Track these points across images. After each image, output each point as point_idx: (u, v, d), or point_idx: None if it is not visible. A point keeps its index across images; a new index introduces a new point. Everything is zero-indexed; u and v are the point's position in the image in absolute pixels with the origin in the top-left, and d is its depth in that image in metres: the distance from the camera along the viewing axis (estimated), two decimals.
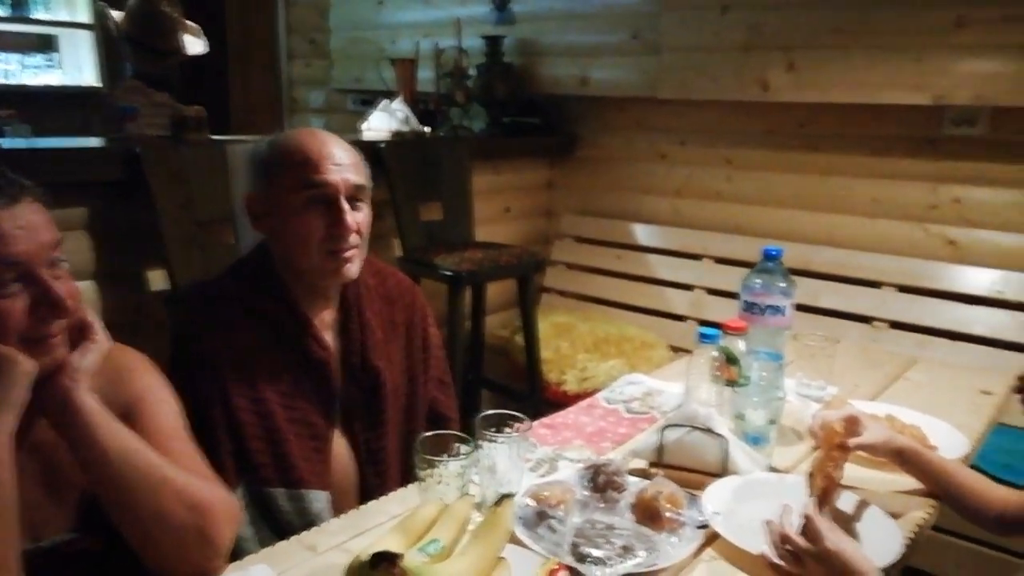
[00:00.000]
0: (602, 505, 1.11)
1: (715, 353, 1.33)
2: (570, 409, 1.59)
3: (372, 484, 1.37)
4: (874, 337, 2.72)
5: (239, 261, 1.43)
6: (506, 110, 3.39)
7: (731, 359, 1.34)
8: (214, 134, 2.34)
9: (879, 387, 1.77)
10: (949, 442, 1.41)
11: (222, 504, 1.01)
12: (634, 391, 1.67)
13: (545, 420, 1.52)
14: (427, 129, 3.10)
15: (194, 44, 2.43)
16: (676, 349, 3.04)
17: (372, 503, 1.23)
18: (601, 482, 1.13)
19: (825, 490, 1.07)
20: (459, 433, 1.16)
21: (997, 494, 1.20)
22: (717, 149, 3.17)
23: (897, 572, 1.09)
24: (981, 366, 2.44)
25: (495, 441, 1.13)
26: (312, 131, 1.36)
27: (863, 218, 2.85)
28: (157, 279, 2.09)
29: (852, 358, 1.93)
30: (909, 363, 1.94)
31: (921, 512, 1.22)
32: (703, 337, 1.31)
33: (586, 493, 1.13)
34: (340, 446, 1.38)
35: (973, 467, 1.38)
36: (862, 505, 1.17)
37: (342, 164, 1.32)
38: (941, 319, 2.64)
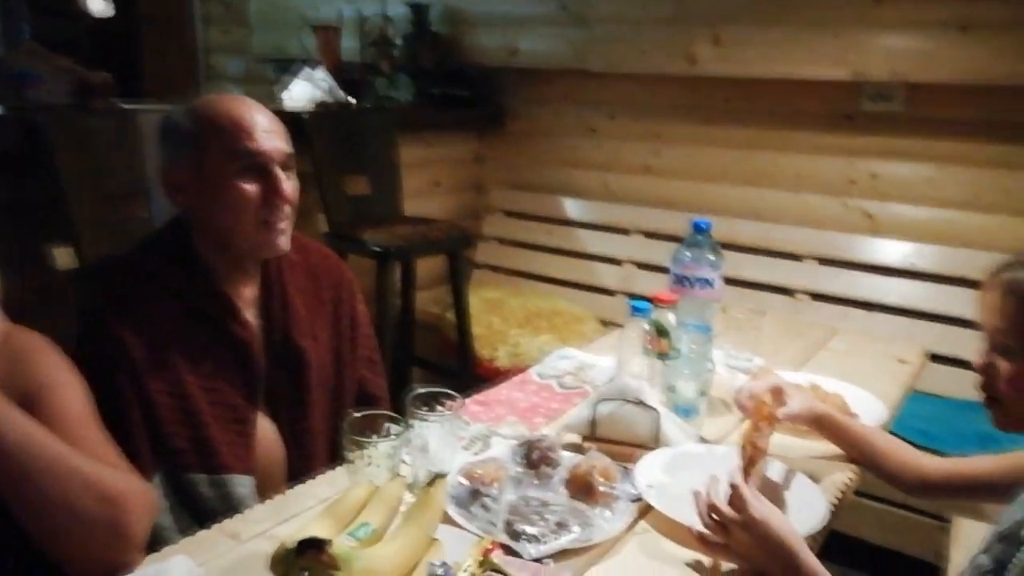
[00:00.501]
0: (536, 481, 1.10)
1: (646, 326, 1.33)
2: (503, 385, 1.58)
3: (299, 467, 1.32)
4: (796, 308, 2.80)
5: (152, 235, 1.35)
6: (434, 81, 3.32)
7: (662, 332, 1.35)
8: (124, 102, 2.21)
9: (803, 357, 1.81)
10: (869, 410, 1.46)
11: (135, 494, 0.96)
12: (566, 366, 1.67)
13: (478, 397, 1.50)
14: (352, 100, 3.01)
15: (98, 5, 2.28)
16: (606, 323, 3.06)
17: (299, 486, 1.19)
18: (535, 458, 1.12)
19: (752, 459, 1.08)
20: (389, 412, 1.12)
21: (917, 458, 1.25)
22: (646, 123, 3.19)
23: (821, 537, 1.12)
24: (896, 335, 2.55)
25: (426, 420, 1.11)
26: (238, 97, 1.29)
27: (786, 192, 2.92)
28: (64, 257, 1.96)
29: (776, 329, 1.97)
30: (830, 333, 2.00)
31: (843, 477, 1.25)
32: (634, 310, 1.31)
33: (520, 470, 1.11)
34: (264, 428, 1.32)
35: (892, 433, 1.43)
36: (789, 473, 1.20)
37: (272, 131, 1.26)
38: (859, 290, 2.73)
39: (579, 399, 1.50)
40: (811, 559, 0.93)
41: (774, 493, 1.14)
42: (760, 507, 0.95)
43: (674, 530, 1.05)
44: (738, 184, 3.01)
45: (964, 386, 2.43)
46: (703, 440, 1.32)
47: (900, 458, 1.25)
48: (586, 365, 1.67)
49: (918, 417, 2.17)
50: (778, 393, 1.26)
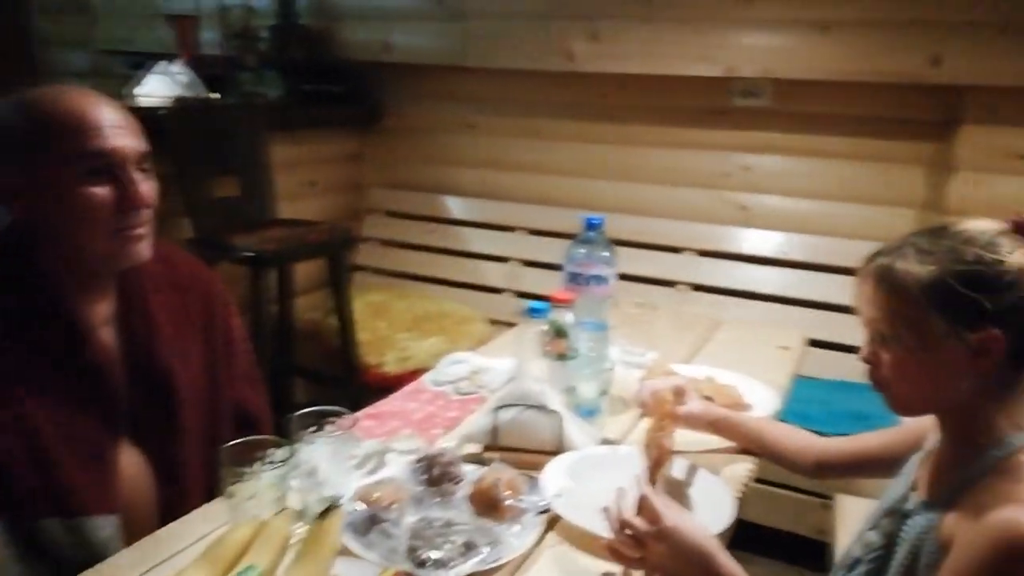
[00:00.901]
0: (438, 500, 1.02)
1: (544, 327, 1.28)
2: (395, 395, 1.49)
3: (172, 503, 1.18)
4: (678, 300, 2.85)
5: None
6: (305, 76, 3.15)
7: (560, 332, 1.31)
8: None
9: (692, 349, 1.83)
10: (762, 399, 1.48)
11: None
12: (460, 371, 1.60)
13: (369, 410, 1.41)
14: (215, 96, 2.81)
15: None
16: (495, 322, 3.02)
17: (172, 526, 1.06)
18: (435, 475, 1.05)
19: (657, 461, 1.06)
20: (271, 437, 1.02)
21: (812, 442, 1.27)
22: (526, 120, 3.17)
23: (730, 532, 1.11)
24: (774, 322, 2.65)
25: (314, 441, 1.01)
26: (77, 90, 1.12)
27: (664, 186, 2.97)
28: None
29: (664, 322, 1.98)
30: (716, 324, 2.03)
31: (743, 469, 1.26)
32: (532, 312, 1.26)
33: (420, 488, 1.04)
34: (130, 461, 1.18)
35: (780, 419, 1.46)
36: (692, 470, 1.19)
37: (122, 127, 1.11)
38: (737, 280, 2.82)
39: (476, 405, 1.44)
40: (727, 561, 0.92)
41: (680, 493, 1.12)
42: (672, 515, 0.92)
43: (585, 540, 1.01)
44: (617, 179, 3.04)
45: (837, 368, 2.56)
46: (606, 441, 1.29)
47: (796, 444, 1.27)
48: (481, 369, 1.61)
49: (795, 399, 2.24)
50: (680, 392, 1.25)
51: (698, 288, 2.87)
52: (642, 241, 2.92)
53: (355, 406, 1.35)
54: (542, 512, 1.03)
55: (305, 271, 2.88)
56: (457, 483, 1.04)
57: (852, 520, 1.85)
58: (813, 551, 2.22)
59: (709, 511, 1.06)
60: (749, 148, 2.82)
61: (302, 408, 1.08)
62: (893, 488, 1.04)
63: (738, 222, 2.87)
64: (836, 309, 2.66)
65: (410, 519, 0.98)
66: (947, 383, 0.89)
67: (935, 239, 0.89)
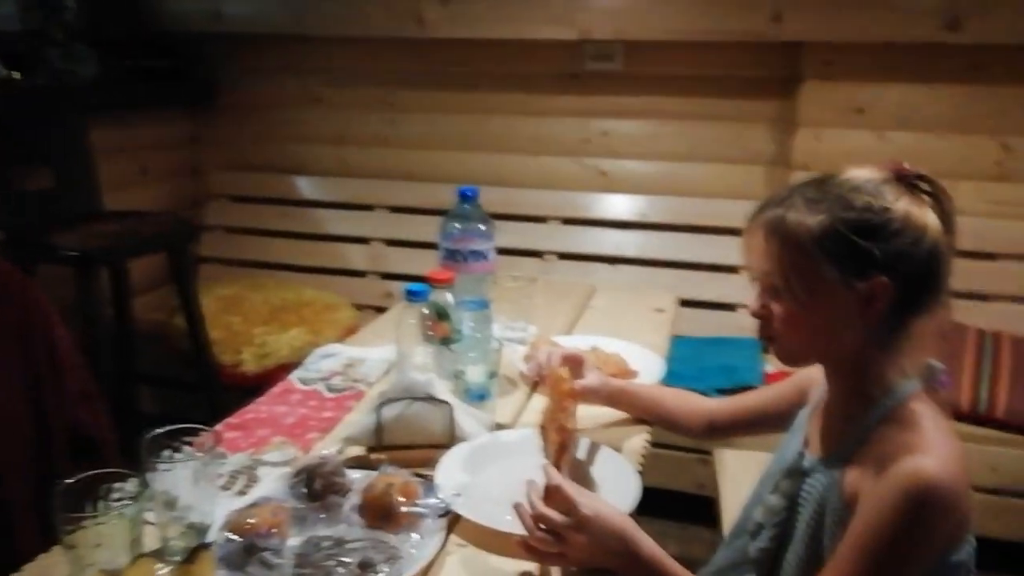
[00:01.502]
0: (323, 516, 0.91)
1: (424, 311, 1.18)
2: (261, 399, 1.34)
3: None
4: (545, 269, 2.83)
5: None
6: (125, 51, 2.82)
7: (442, 315, 1.21)
8: None
9: (571, 320, 1.79)
10: (648, 365, 1.46)
11: None
12: (332, 364, 1.47)
13: (231, 420, 1.25)
14: (16, 75, 2.45)
15: None
16: (361, 307, 2.87)
17: None
18: (318, 487, 0.93)
19: (562, 444, 1.00)
20: (117, 470, 0.86)
21: (703, 404, 1.26)
22: (377, 91, 3.01)
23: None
24: (644, 285, 2.68)
25: (169, 466, 0.86)
26: None
27: (525, 155, 2.92)
28: None
29: (538, 293, 1.93)
30: (589, 292, 2.01)
31: (640, 441, 1.22)
32: (411, 295, 1.15)
33: (301, 505, 0.92)
34: None
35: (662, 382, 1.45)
36: (593, 449, 1.14)
37: None
38: (602, 246, 2.83)
39: (355, 402, 1.32)
40: (646, 541, 0.87)
41: (583, 474, 1.07)
42: (588, 503, 0.86)
43: (492, 538, 0.93)
44: (478, 150, 2.95)
45: (704, 325, 2.63)
46: (499, 426, 1.22)
47: (688, 408, 1.26)
48: (355, 360, 1.49)
49: (676, 360, 2.28)
50: (575, 362, 1.19)
51: (565, 256, 2.86)
52: (506, 212, 2.84)
53: (215, 412, 1.20)
54: (442, 515, 0.93)
55: (142, 268, 2.60)
56: (343, 494, 0.93)
57: (732, 473, 1.90)
58: (695, 506, 2.28)
59: (615, 490, 1.01)
60: (605, 113, 2.82)
61: (152, 421, 0.92)
62: (785, 447, 1.04)
63: (599, 188, 2.88)
64: (699, 268, 2.73)
65: (293, 543, 0.86)
66: (837, 333, 0.88)
67: (822, 188, 0.87)
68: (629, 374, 1.41)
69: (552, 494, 0.88)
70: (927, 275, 0.85)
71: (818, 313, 0.87)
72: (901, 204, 0.84)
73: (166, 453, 0.88)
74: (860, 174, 0.87)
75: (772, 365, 2.47)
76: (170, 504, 0.86)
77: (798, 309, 0.87)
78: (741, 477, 1.87)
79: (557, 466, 0.97)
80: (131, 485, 0.83)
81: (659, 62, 2.70)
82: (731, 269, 2.69)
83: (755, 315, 0.94)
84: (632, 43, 2.67)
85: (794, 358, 0.95)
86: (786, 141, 2.64)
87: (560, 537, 0.86)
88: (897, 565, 0.79)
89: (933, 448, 0.81)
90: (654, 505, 1.11)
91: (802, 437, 1.00)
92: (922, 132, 2.47)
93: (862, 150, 2.49)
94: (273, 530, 0.85)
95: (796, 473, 0.96)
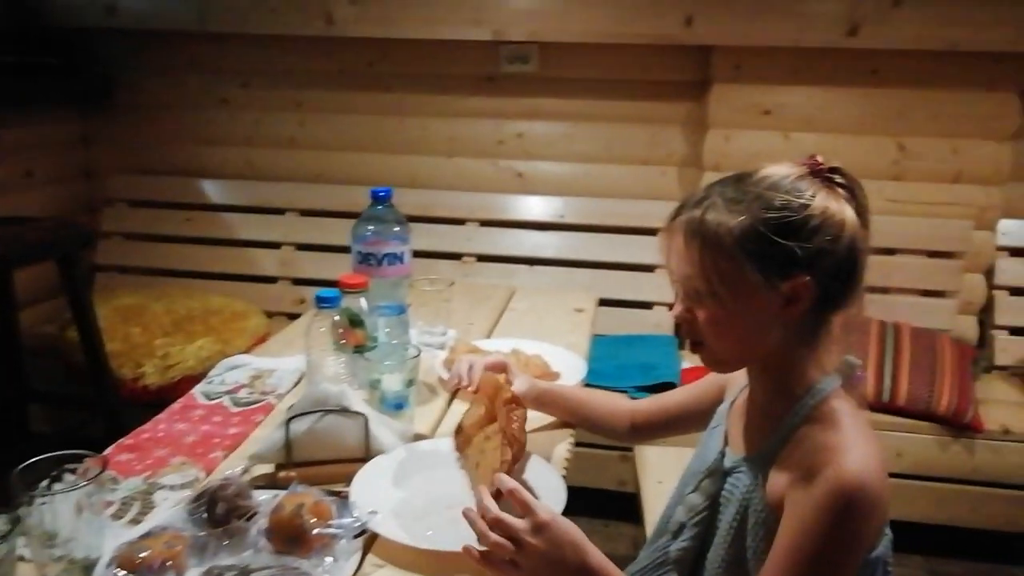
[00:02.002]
0: (227, 543, 0.84)
1: (336, 318, 1.12)
2: (159, 417, 1.24)
3: None
4: (465, 272, 2.79)
5: None
6: (8, 46, 2.62)
7: (355, 321, 1.15)
8: None
9: (491, 322, 1.76)
10: (570, 366, 1.43)
11: None
12: (239, 376, 1.38)
13: (125, 441, 1.15)
14: None
15: None
16: (273, 314, 2.76)
17: None
18: (220, 512, 0.86)
19: (515, 457, 0.95)
20: None
21: (625, 406, 1.24)
22: (286, 91, 2.90)
23: None
24: (563, 286, 2.68)
25: (48, 498, 0.78)
26: None
27: (440, 157, 2.88)
28: None
29: (457, 297, 1.89)
30: (509, 294, 1.98)
31: (564, 445, 1.20)
32: (321, 301, 1.09)
33: (202, 533, 0.84)
34: None
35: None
36: (525, 457, 1.10)
37: None
38: (520, 247, 2.81)
39: (263, 416, 1.24)
40: (596, 551, 0.85)
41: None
42: (544, 507, 0.83)
43: (412, 557, 0.88)
44: (392, 152, 2.89)
45: (622, 323, 2.65)
46: (419, 436, 1.17)
47: (612, 410, 1.24)
48: (264, 371, 1.40)
49: (595, 359, 2.28)
50: (498, 368, 1.16)
51: (484, 259, 2.82)
52: (422, 215, 2.80)
53: (114, 429, 1.11)
54: (358, 535, 0.88)
55: (31, 278, 2.42)
56: (249, 518, 0.86)
57: (653, 469, 1.91)
58: (617, 503, 2.29)
59: (544, 497, 0.97)
60: (521, 115, 2.81)
61: (45, 440, 0.84)
62: (706, 445, 1.03)
63: (516, 189, 2.86)
64: (616, 267, 2.75)
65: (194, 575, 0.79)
66: (761, 334, 0.87)
67: (740, 187, 0.86)
68: (551, 376, 1.39)
69: (509, 498, 0.84)
70: (846, 270, 0.84)
71: (743, 315, 0.86)
72: (819, 200, 0.83)
73: (44, 484, 0.79)
74: (777, 171, 0.86)
75: (689, 361, 2.51)
76: (48, 540, 0.77)
77: (723, 312, 0.86)
78: (662, 473, 1.88)
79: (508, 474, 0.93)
80: (1, 522, 0.75)
81: (574, 64, 2.71)
82: (648, 268, 2.72)
83: (679, 320, 0.92)
84: (547, 45, 2.66)
85: (720, 361, 0.94)
86: (697, 142, 2.68)
87: (516, 543, 0.81)
88: (831, 568, 0.79)
89: (854, 448, 0.80)
90: (576, 504, 1.10)
91: (722, 435, 1.00)
92: (825, 133, 2.56)
93: (769, 151, 2.56)
94: (168, 563, 0.77)
95: (718, 472, 0.95)
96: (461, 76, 2.79)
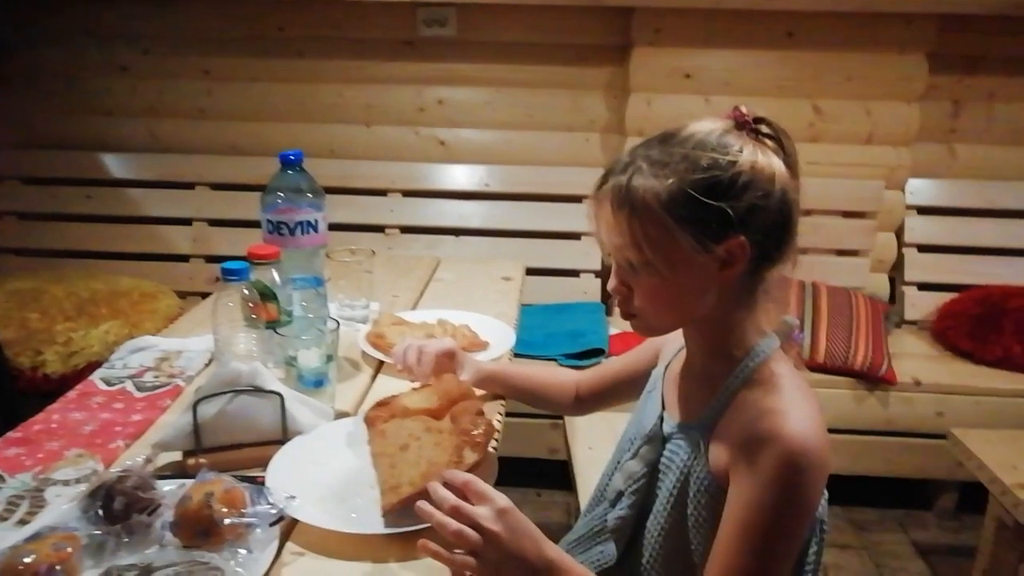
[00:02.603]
0: (128, 540, 0.77)
1: (245, 291, 1.04)
2: (52, 407, 1.13)
3: None
4: (389, 244, 2.72)
5: None
6: None
7: (266, 295, 1.08)
8: None
9: (416, 294, 1.70)
10: (499, 336, 1.40)
11: None
12: (144, 359, 1.29)
13: (12, 435, 1.05)
14: None
15: None
16: (186, 294, 2.63)
17: None
18: (119, 507, 0.78)
19: (476, 463, 0.90)
20: None
21: (569, 377, 1.22)
22: (191, 58, 2.73)
23: None
24: (490, 255, 2.63)
25: None
26: None
27: (360, 126, 2.78)
28: None
29: (380, 269, 1.83)
30: (434, 264, 1.92)
31: (494, 416, 1.16)
32: (228, 274, 1.01)
33: (99, 531, 0.77)
34: None
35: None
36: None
37: None
38: (445, 217, 2.75)
39: (170, 400, 1.16)
40: (552, 545, 0.81)
41: None
42: (501, 495, 0.79)
43: (335, 542, 0.83)
44: (307, 121, 2.77)
45: (549, 292, 2.63)
46: (341, 414, 1.11)
47: (557, 383, 1.22)
48: (171, 353, 1.31)
49: (524, 328, 2.25)
50: (447, 357, 1.12)
51: (408, 230, 2.75)
52: (342, 186, 2.70)
53: (12, 422, 1.01)
54: (275, 522, 0.82)
55: None
56: (152, 511, 0.79)
57: (583, 435, 1.90)
58: (548, 471, 2.28)
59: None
60: (440, 80, 2.73)
61: None
62: (642, 411, 1.00)
63: (439, 158, 2.79)
64: (542, 235, 2.72)
65: None
66: (697, 300, 0.84)
67: (665, 148, 0.82)
68: (479, 345, 1.35)
69: (462, 489, 0.79)
70: (780, 225, 0.82)
71: (678, 283, 0.82)
72: (746, 154, 0.79)
73: None
74: (701, 127, 0.82)
75: (616, 327, 2.51)
76: None
77: (658, 282, 0.82)
78: (592, 439, 1.88)
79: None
80: None
81: (493, 27, 2.64)
82: (574, 236, 2.70)
83: (614, 292, 0.88)
84: (465, 7, 2.58)
85: (657, 330, 0.91)
86: (620, 107, 2.66)
87: (478, 530, 0.76)
88: (785, 536, 0.78)
89: (796, 411, 0.79)
90: (507, 474, 1.08)
91: (659, 399, 0.97)
92: (744, 96, 2.56)
93: (690, 114, 2.48)
94: (57, 567, 0.70)
95: (657, 438, 0.93)
96: (377, 40, 2.69)
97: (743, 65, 2.55)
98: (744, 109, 0.82)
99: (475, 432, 0.90)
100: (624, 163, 0.83)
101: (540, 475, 2.31)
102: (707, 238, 0.79)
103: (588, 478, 1.72)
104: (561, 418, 2.13)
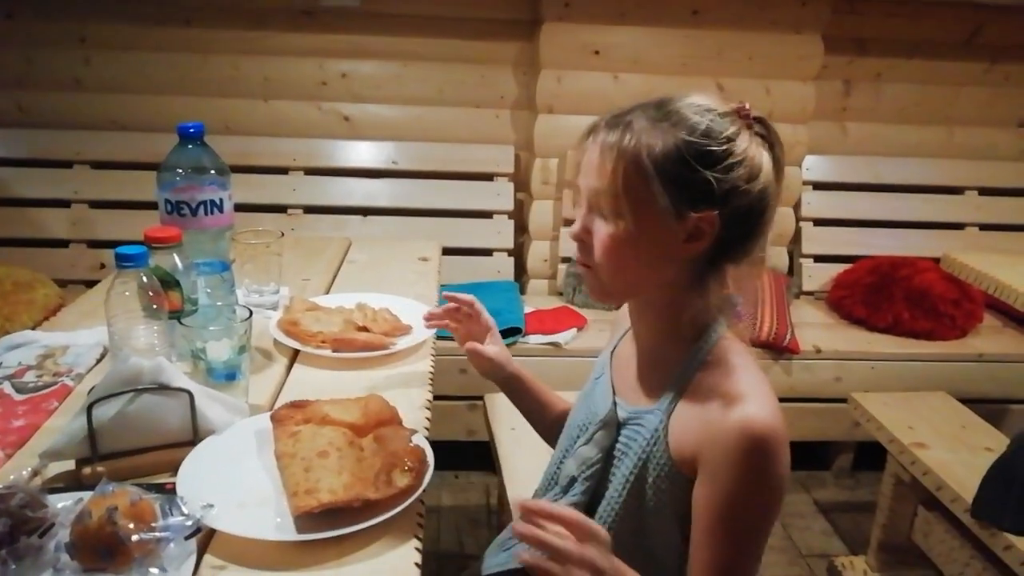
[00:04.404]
0: (15, 566, 0.67)
1: (144, 279, 0.94)
2: None
3: None
4: (292, 225, 2.59)
5: None
6: None
7: (168, 282, 0.98)
8: None
9: (328, 277, 1.61)
10: (420, 318, 1.33)
11: None
12: (24, 357, 1.15)
13: None
14: None
15: None
16: (65, 283, 2.42)
17: None
18: (3, 529, 0.68)
19: (410, 487, 0.84)
20: None
21: (561, 402, 1.18)
22: (65, 23, 2.50)
23: None
24: (397, 236, 2.55)
25: None
26: None
27: (257, 100, 2.63)
28: None
29: (288, 251, 1.72)
30: (345, 245, 1.83)
31: (422, 403, 1.10)
32: (123, 260, 0.91)
33: None
34: None
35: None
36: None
37: None
38: (351, 196, 2.65)
39: (57, 402, 1.04)
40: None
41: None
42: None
43: (261, 551, 0.75)
44: (197, 94, 2.59)
45: (461, 271, 2.58)
46: (256, 408, 1.02)
47: (560, 408, 1.17)
48: (55, 349, 1.18)
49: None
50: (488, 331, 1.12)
51: (311, 210, 2.63)
52: (238, 163, 2.51)
53: None
54: (192, 534, 0.73)
55: None
56: (44, 532, 0.69)
57: (504, 416, 1.87)
58: (465, 453, 2.25)
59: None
60: (343, 53, 2.61)
61: None
62: (591, 398, 0.98)
63: (343, 134, 2.67)
64: (453, 214, 2.66)
65: None
66: (654, 267, 0.83)
67: (664, 108, 0.81)
68: (402, 329, 1.28)
69: (557, 514, 0.75)
70: (753, 217, 0.82)
71: (642, 243, 0.81)
72: (741, 139, 0.80)
73: None
74: (705, 99, 0.82)
75: (531, 305, 2.49)
76: None
77: (623, 233, 0.81)
78: (514, 420, 1.84)
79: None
80: None
81: (401, 1, 2.54)
82: (486, 215, 2.65)
83: (576, 238, 0.86)
84: None
85: (608, 292, 0.88)
86: (530, 84, 2.62)
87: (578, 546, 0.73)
88: (764, 519, 0.79)
89: (755, 393, 0.79)
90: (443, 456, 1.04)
91: (609, 384, 0.96)
92: (651, 74, 2.58)
93: (600, 91, 2.55)
94: None
95: (612, 423, 0.91)
96: (273, 10, 2.54)
97: (650, 43, 2.56)
98: (748, 105, 0.82)
99: (407, 460, 0.85)
100: (620, 112, 0.83)
101: (458, 457, 2.27)
102: (684, 203, 0.79)
103: (511, 458, 1.70)
104: (480, 399, 2.09)
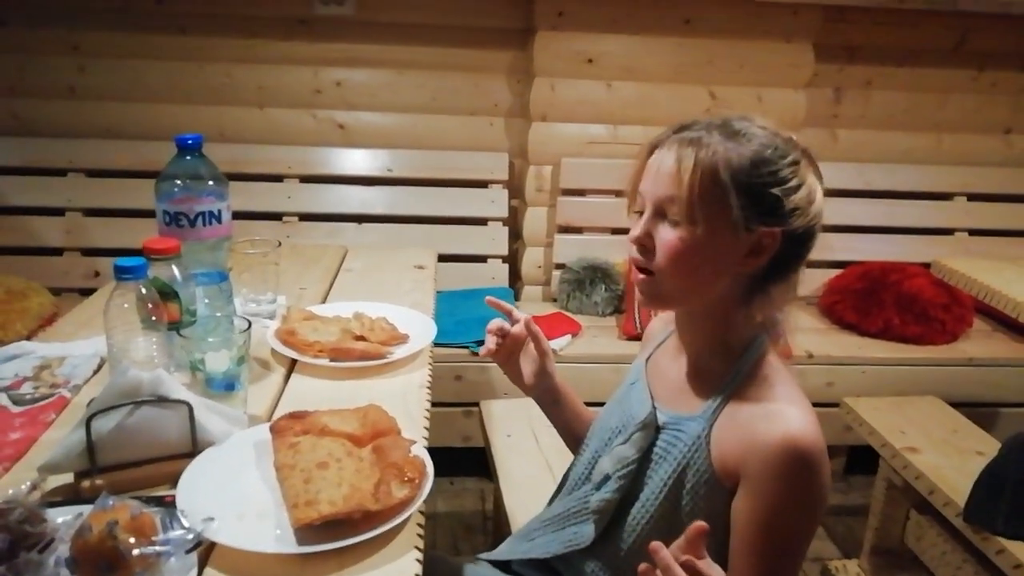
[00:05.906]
0: None
1: (143, 290, 0.94)
2: None
3: None
4: (287, 233, 2.60)
5: None
6: None
7: (166, 293, 0.98)
8: None
9: (325, 286, 1.61)
10: (418, 326, 1.34)
11: None
12: (21, 368, 1.15)
13: None
14: None
15: None
16: (60, 291, 2.41)
17: None
18: (2, 545, 0.68)
19: (407, 499, 0.84)
20: None
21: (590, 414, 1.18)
22: (57, 31, 2.50)
23: None
24: (392, 243, 2.56)
25: None
26: None
27: (252, 108, 2.63)
28: None
29: (284, 260, 1.72)
30: (341, 253, 1.84)
31: (421, 408, 1.11)
32: (123, 272, 0.91)
33: None
34: None
35: None
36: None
37: None
38: (346, 204, 2.65)
39: (54, 414, 1.04)
40: None
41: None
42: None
43: (260, 564, 0.76)
44: (192, 103, 2.59)
45: (456, 279, 2.59)
46: (254, 418, 1.02)
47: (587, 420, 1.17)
48: (52, 360, 1.18)
49: (443, 315, 2.20)
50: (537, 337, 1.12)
51: (306, 218, 2.63)
52: (234, 171, 2.50)
53: None
54: (193, 548, 0.74)
55: None
56: (44, 548, 0.69)
57: (500, 423, 1.88)
58: (461, 459, 2.25)
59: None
60: (338, 62, 2.61)
61: None
62: (627, 401, 1.00)
63: (338, 142, 2.68)
64: (447, 221, 2.66)
65: None
66: (714, 277, 0.86)
67: (734, 126, 0.85)
68: (399, 338, 1.29)
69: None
70: (805, 239, 0.86)
71: (708, 247, 0.84)
72: (804, 164, 0.85)
73: None
74: (769, 123, 0.87)
75: (524, 311, 2.48)
76: None
77: (690, 240, 0.83)
78: (510, 427, 1.86)
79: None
80: None
81: (393, 8, 2.55)
82: (480, 221, 2.66)
83: (637, 242, 0.88)
84: None
85: (662, 297, 0.90)
86: (524, 92, 2.63)
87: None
88: (806, 532, 0.82)
89: (796, 407, 0.82)
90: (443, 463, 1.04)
91: (646, 389, 0.98)
92: (644, 82, 2.60)
93: (593, 99, 2.57)
94: None
95: (651, 427, 0.93)
96: (269, 18, 2.54)
97: (643, 51, 2.57)
98: (795, 137, 0.87)
99: (407, 471, 0.86)
100: (695, 124, 0.86)
101: (452, 463, 2.27)
102: (753, 217, 0.82)
103: (507, 465, 1.71)
104: (475, 405, 2.10)
